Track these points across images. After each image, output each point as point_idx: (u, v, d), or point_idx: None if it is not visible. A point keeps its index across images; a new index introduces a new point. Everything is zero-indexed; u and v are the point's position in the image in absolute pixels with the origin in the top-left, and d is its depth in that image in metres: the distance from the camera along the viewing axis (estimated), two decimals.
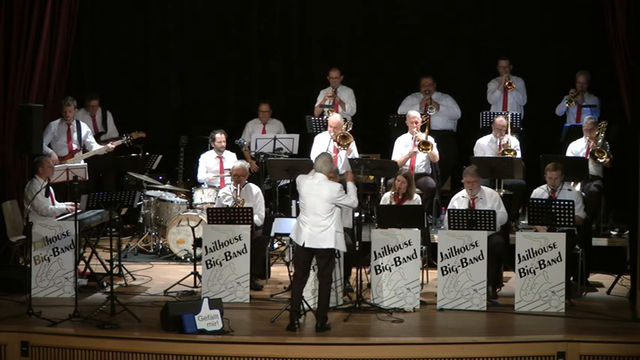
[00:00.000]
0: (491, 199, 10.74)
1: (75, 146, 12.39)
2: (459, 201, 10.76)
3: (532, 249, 9.95)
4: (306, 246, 9.28)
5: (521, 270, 9.97)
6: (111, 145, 12.61)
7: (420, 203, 10.75)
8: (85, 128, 12.58)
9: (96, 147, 12.58)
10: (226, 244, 10.23)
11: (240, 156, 12.72)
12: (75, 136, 12.40)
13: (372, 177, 12.07)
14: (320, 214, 9.24)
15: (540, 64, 13.75)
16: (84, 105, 13.26)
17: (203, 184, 12.59)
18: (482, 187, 10.84)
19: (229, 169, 11.80)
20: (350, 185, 9.52)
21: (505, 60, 13.15)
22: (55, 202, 11.16)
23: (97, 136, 13.07)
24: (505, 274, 10.86)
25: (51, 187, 10.99)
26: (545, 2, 13.79)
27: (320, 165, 9.46)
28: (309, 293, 9.79)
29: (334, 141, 12.18)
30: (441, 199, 12.39)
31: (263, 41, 14.48)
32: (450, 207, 10.74)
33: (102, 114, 13.39)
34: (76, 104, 12.43)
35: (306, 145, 12.89)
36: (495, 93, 13.20)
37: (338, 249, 9.38)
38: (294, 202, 11.63)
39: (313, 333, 9.21)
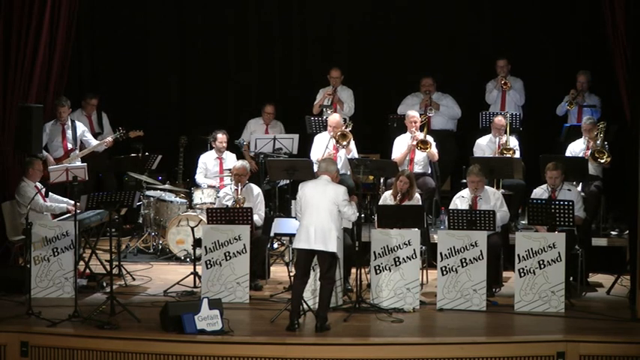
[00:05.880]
0: (494, 197, 10.73)
1: (70, 145, 12.34)
2: (461, 200, 10.75)
3: (532, 249, 9.94)
4: (312, 247, 9.27)
5: (521, 270, 9.96)
6: (109, 139, 12.59)
7: (420, 203, 10.75)
8: (81, 127, 12.53)
9: (94, 143, 12.57)
10: (226, 244, 10.22)
11: (240, 156, 12.69)
12: (70, 135, 12.35)
13: (372, 177, 12.06)
14: (325, 215, 9.23)
15: (540, 64, 13.74)
16: (81, 105, 13.26)
17: (201, 185, 12.58)
18: (485, 187, 10.84)
19: (229, 170, 11.78)
20: (352, 204, 9.54)
21: (503, 60, 13.17)
22: (52, 195, 11.12)
23: (94, 137, 13.04)
24: (505, 274, 10.86)
25: (40, 184, 10.97)
26: (545, 2, 13.79)
27: (325, 166, 9.49)
28: (309, 293, 9.78)
29: (333, 138, 12.18)
30: (441, 199, 12.40)
31: (263, 41, 14.48)
32: (451, 205, 10.73)
33: (97, 115, 13.38)
34: (70, 104, 12.41)
35: (305, 145, 12.89)
36: (493, 93, 13.21)
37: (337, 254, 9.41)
38: (293, 202, 11.61)
39: (313, 333, 9.20)
